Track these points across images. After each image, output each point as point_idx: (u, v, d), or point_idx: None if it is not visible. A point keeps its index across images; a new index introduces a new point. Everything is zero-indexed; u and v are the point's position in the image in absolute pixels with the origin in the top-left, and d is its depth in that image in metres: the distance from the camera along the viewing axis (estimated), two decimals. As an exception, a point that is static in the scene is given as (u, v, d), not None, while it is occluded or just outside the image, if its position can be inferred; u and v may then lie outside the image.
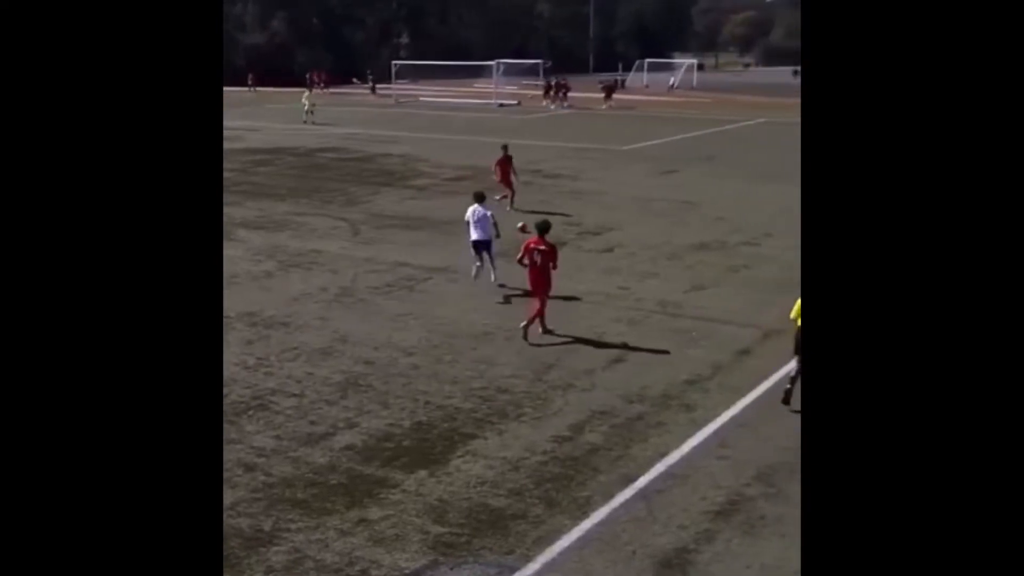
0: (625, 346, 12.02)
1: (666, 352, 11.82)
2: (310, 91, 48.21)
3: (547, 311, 12.49)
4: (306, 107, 43.49)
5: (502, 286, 14.71)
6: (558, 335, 12.37)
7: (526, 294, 13.21)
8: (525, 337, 12.18)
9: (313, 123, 42.12)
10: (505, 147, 21.59)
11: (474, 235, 14.84)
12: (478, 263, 14.99)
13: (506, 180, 21.22)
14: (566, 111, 50.95)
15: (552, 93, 54.81)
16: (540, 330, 12.42)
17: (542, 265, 12.26)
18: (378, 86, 63.76)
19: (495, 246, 14.91)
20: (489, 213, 14.90)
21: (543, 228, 12.44)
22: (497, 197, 19.87)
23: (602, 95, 53.99)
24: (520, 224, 17.25)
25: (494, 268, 14.94)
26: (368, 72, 67.03)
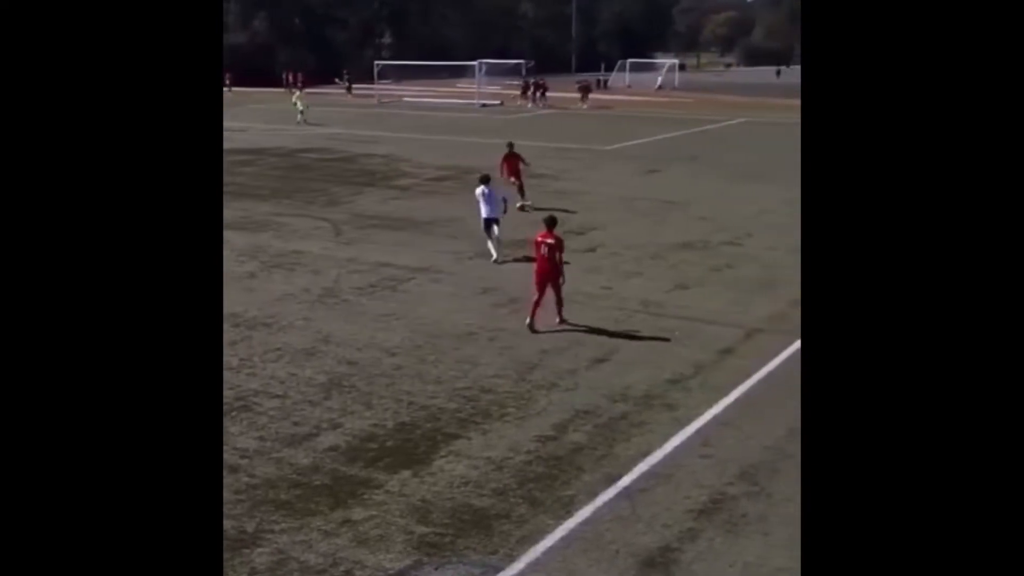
0: (608, 346, 12.05)
1: (649, 351, 11.85)
2: (299, 91, 47.54)
3: (537, 309, 12.72)
4: (299, 108, 43.39)
5: (504, 262, 16.31)
6: (542, 333, 12.40)
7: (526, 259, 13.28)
8: (562, 321, 12.78)
9: (307, 122, 42.07)
10: (511, 145, 22.05)
11: (484, 213, 16.69)
12: (490, 241, 16.72)
13: (515, 175, 21.56)
14: (547, 111, 50.99)
15: (530, 93, 54.95)
16: (528, 320, 12.66)
17: (550, 257, 12.75)
18: (358, 86, 63.60)
19: (502, 223, 16.88)
20: (498, 193, 16.98)
21: (550, 223, 13.01)
22: (518, 205, 20.44)
23: (579, 96, 54.21)
24: (519, 204, 19.05)
25: (500, 246, 16.54)
26: (344, 72, 66.68)
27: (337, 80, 68.52)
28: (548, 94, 55.22)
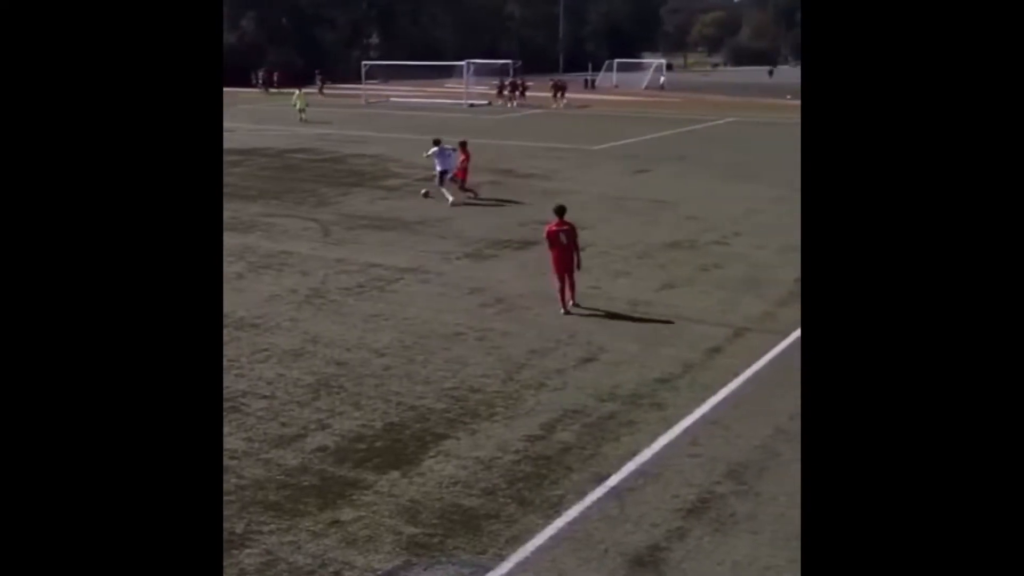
0: (596, 345, 12.06)
1: (637, 351, 11.87)
2: (299, 90, 47.05)
3: (564, 294, 13.40)
4: (298, 107, 43.22)
5: (454, 205, 21.25)
6: (531, 336, 12.41)
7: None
8: (567, 311, 13.31)
9: (305, 121, 41.99)
10: (464, 144, 23.34)
11: (439, 167, 21.90)
12: (436, 186, 21.96)
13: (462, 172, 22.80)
14: (529, 111, 50.98)
15: (508, 92, 54.93)
16: (570, 305, 13.31)
17: (567, 245, 13.24)
18: (345, 86, 63.42)
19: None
20: (448, 148, 22.20)
21: (561, 211, 13.53)
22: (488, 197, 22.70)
23: (551, 95, 54.25)
24: (423, 191, 23.10)
25: (454, 189, 21.67)
26: (316, 72, 66.23)
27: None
28: (529, 94, 55.24)
